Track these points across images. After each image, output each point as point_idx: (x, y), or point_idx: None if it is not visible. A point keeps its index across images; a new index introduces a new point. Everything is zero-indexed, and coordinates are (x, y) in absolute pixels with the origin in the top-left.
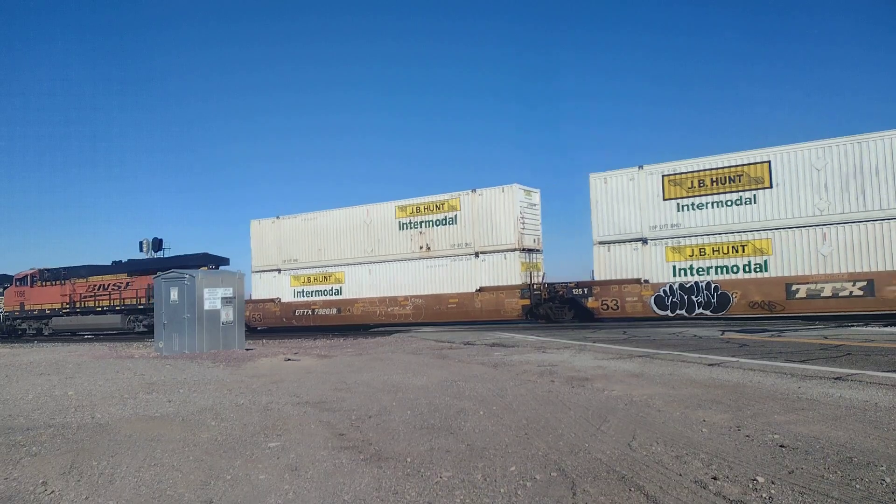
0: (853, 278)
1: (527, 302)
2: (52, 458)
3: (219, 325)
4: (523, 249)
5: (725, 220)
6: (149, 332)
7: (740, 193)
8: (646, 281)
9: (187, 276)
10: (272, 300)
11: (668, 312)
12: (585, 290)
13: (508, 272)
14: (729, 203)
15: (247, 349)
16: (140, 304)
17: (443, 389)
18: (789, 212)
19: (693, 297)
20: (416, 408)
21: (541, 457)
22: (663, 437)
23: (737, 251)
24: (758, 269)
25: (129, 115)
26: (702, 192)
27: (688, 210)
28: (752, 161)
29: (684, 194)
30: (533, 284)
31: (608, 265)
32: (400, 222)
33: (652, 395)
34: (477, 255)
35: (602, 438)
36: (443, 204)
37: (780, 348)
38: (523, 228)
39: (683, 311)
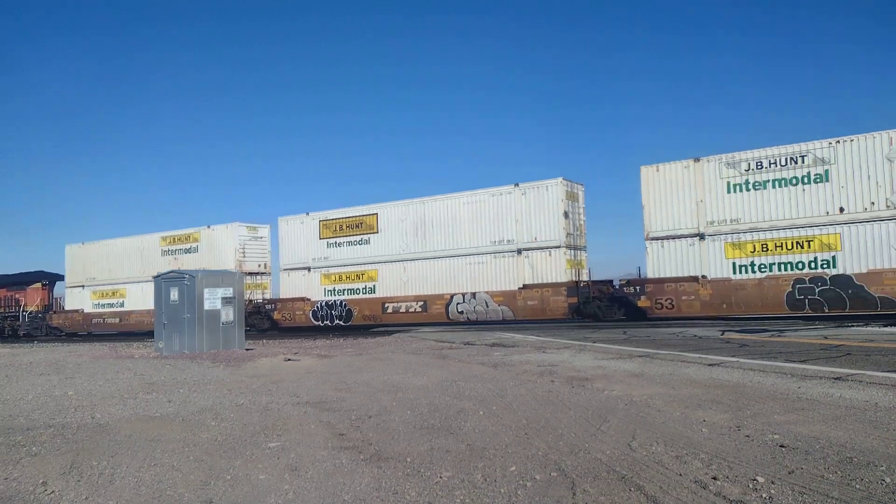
0: (417, 299)
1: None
2: (52, 458)
3: (219, 325)
4: (249, 273)
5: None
6: None
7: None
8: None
9: (187, 276)
10: (77, 311)
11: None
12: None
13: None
14: None
15: (247, 349)
16: None
17: (443, 389)
18: (386, 251)
19: None
20: (416, 408)
21: (541, 457)
22: (663, 437)
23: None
24: (368, 291)
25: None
26: None
27: None
28: (366, 213)
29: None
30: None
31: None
32: (162, 249)
33: (652, 395)
34: None
35: (602, 438)
36: (189, 236)
37: (780, 348)
38: (243, 257)
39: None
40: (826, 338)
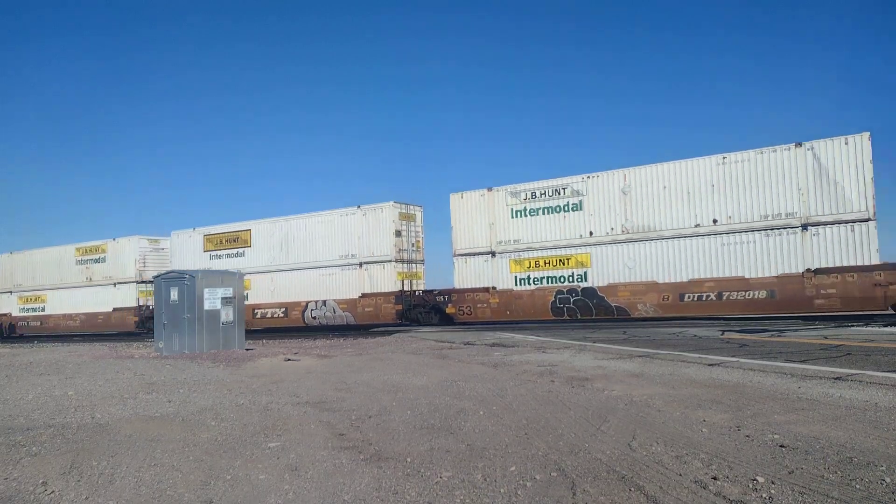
0: (281, 306)
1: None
2: (52, 458)
3: (219, 325)
4: (141, 281)
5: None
6: None
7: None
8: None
9: (187, 276)
10: (6, 314)
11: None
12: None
13: (125, 299)
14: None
15: (247, 349)
16: None
17: (443, 389)
18: (258, 262)
19: None
20: (416, 408)
21: (541, 457)
22: (663, 437)
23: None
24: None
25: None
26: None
27: None
28: (241, 229)
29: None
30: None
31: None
32: (76, 259)
33: (652, 395)
34: (115, 285)
35: (602, 438)
36: (98, 247)
37: (780, 348)
38: (144, 267)
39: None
40: (826, 338)
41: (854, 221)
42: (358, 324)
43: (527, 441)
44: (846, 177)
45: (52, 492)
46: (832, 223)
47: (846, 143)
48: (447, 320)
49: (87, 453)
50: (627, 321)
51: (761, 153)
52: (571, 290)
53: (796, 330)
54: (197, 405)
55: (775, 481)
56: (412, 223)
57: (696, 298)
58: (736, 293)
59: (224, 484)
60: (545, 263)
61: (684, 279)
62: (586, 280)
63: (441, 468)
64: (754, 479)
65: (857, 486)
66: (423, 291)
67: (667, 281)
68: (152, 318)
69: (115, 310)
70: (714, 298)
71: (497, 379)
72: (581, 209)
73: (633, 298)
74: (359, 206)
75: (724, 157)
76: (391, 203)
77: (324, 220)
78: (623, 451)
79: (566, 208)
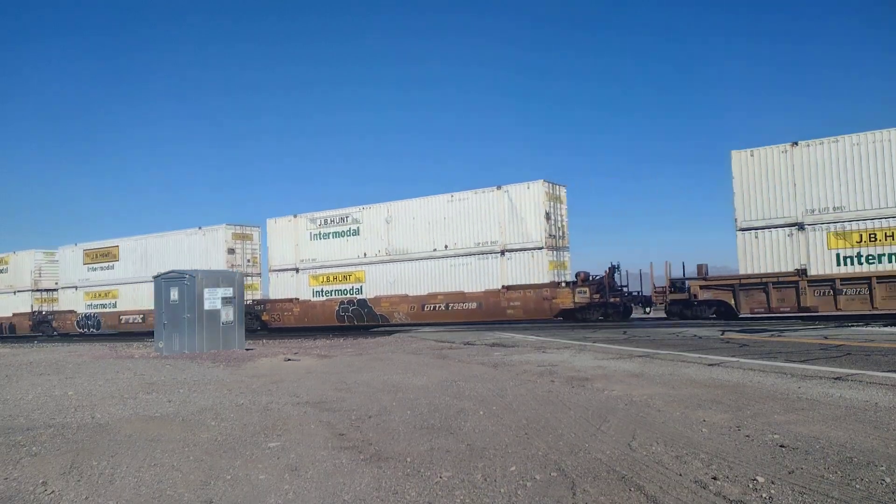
0: (139, 313)
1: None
2: (52, 458)
3: (219, 325)
4: (46, 290)
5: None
6: None
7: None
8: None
9: (187, 276)
10: None
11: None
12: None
13: (24, 305)
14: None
15: (247, 349)
16: None
17: (443, 389)
18: (125, 275)
19: None
20: (416, 408)
21: (541, 457)
22: (663, 437)
23: None
24: (111, 307)
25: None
26: None
27: None
28: (110, 245)
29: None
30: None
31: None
32: None
33: (652, 395)
34: (15, 293)
35: (602, 438)
36: (2, 259)
37: (780, 348)
38: (39, 277)
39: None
40: (826, 338)
41: (533, 249)
42: None
43: (527, 441)
44: (529, 214)
45: (52, 492)
46: (519, 250)
47: (528, 188)
48: (263, 325)
49: (87, 453)
50: (388, 326)
51: (476, 193)
52: (350, 301)
53: (796, 330)
54: (197, 405)
55: (775, 481)
56: (248, 242)
57: (433, 308)
58: (458, 304)
59: (224, 484)
60: (334, 279)
61: (425, 293)
62: (362, 293)
63: (441, 468)
64: (754, 479)
65: (857, 486)
66: (251, 301)
67: (415, 294)
68: (45, 321)
69: (14, 314)
70: (444, 308)
71: (497, 379)
72: (359, 234)
73: (391, 308)
74: (200, 227)
75: (452, 196)
76: (224, 225)
77: (176, 239)
78: (623, 450)
79: (349, 233)
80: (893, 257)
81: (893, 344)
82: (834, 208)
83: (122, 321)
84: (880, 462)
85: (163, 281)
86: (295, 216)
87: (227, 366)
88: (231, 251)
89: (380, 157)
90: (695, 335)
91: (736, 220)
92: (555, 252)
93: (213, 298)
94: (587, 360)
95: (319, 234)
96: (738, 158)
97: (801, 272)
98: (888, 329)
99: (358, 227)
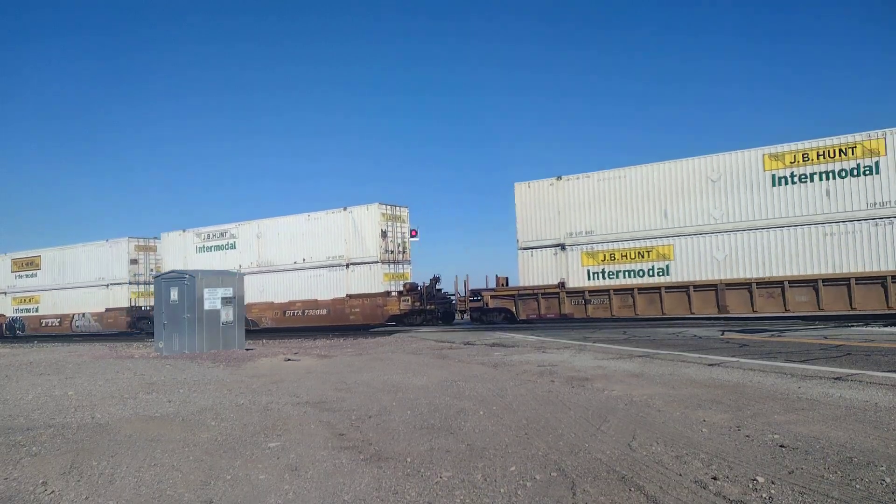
0: (57, 317)
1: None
2: (52, 458)
3: (219, 325)
4: None
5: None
6: None
7: None
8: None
9: (187, 276)
10: None
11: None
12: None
13: None
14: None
15: (247, 349)
16: None
17: (443, 389)
18: (47, 282)
19: None
20: (416, 408)
21: (541, 457)
22: (663, 437)
23: None
24: (34, 311)
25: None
26: None
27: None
28: (33, 255)
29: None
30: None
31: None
32: None
33: (652, 395)
34: None
35: (602, 438)
36: None
37: (780, 348)
38: None
39: None
40: (826, 338)
41: (371, 263)
42: (103, 331)
43: (527, 441)
44: (367, 232)
45: (52, 492)
46: (360, 263)
47: (367, 210)
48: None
49: (87, 453)
50: (259, 331)
51: (327, 213)
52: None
53: (796, 330)
54: (197, 405)
55: (775, 481)
56: (151, 253)
57: (293, 314)
58: (312, 310)
59: (224, 484)
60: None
61: (286, 300)
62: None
63: (441, 468)
64: (754, 479)
65: (857, 486)
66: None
67: (279, 301)
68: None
69: None
70: (301, 314)
71: (497, 379)
72: (236, 248)
73: (260, 314)
74: (107, 240)
75: (309, 216)
76: (127, 238)
77: (83, 250)
78: (623, 451)
79: (227, 247)
80: (623, 273)
81: (893, 344)
82: (586, 232)
83: (43, 325)
84: (880, 462)
85: (163, 281)
86: (184, 231)
87: (227, 366)
88: (134, 262)
89: (378, 157)
90: (695, 335)
91: (518, 240)
92: (391, 265)
93: (213, 298)
94: (587, 359)
95: (203, 247)
96: (519, 189)
97: (562, 285)
98: (888, 329)
99: (234, 242)
